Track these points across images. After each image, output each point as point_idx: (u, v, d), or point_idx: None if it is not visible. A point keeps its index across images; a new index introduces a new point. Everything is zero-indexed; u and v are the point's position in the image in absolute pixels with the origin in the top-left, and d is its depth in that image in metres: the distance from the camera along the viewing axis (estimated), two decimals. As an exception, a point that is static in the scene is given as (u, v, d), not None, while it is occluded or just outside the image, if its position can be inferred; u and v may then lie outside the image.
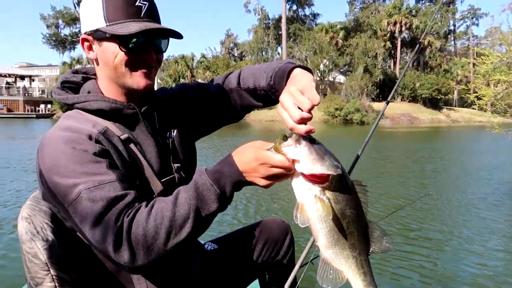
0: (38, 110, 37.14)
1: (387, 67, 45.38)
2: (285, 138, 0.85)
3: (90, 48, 1.02)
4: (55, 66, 66.44)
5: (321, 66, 38.78)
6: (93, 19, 0.97)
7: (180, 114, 1.21)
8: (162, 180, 1.06)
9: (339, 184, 0.82)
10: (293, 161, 0.83)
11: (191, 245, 1.26)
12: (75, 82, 1.10)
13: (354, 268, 0.85)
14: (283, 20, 44.51)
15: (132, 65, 1.00)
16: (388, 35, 42.90)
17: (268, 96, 1.14)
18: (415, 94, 38.88)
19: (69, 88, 1.09)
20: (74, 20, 50.90)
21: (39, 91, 41.11)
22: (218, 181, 0.87)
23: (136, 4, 0.97)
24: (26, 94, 38.43)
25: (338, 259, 0.84)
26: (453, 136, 22.36)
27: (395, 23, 41.89)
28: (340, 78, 41.17)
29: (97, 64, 1.04)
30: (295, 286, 1.26)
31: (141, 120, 1.07)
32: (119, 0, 0.96)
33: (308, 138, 0.84)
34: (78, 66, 36.53)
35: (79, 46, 1.18)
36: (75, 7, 49.84)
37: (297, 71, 1.01)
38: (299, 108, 0.84)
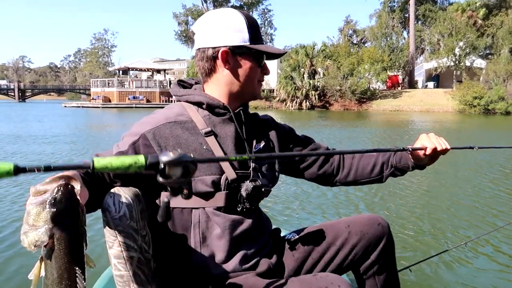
0: (172, 101, 40.75)
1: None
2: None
3: (226, 59, 1.20)
4: (183, 60, 72.50)
5: (457, 50, 34.79)
6: (238, 36, 1.18)
7: (277, 142, 1.38)
8: (236, 171, 1.20)
9: None
10: None
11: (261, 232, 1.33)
12: (188, 83, 1.34)
13: None
14: (411, 1, 40.98)
15: (259, 77, 1.27)
16: (544, 9, 36.35)
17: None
18: None
19: (182, 86, 1.33)
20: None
21: (170, 83, 45.19)
22: None
23: (260, 30, 1.26)
24: (161, 86, 42.61)
25: None
26: None
27: (554, -6, 35.28)
28: (479, 62, 36.25)
29: (232, 73, 1.22)
30: None
31: (232, 120, 1.24)
32: (256, 26, 1.23)
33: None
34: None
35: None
36: (202, 4, 53.28)
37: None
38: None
